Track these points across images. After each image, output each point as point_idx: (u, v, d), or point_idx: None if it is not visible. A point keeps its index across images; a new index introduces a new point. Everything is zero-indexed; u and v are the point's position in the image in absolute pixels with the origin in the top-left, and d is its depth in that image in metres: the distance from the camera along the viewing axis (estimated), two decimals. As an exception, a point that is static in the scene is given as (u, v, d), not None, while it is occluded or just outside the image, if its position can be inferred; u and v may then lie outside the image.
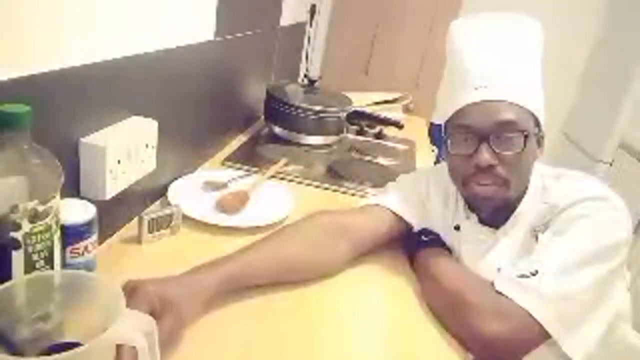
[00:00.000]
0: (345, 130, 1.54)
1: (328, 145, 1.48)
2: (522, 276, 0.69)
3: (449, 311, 0.74)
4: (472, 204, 0.87)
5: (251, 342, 0.65)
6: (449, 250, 0.88)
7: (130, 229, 0.85)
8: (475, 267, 0.82)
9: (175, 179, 1.03)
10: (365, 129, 1.67)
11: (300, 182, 1.20)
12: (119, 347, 0.47)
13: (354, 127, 1.66)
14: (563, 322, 0.66)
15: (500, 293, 0.69)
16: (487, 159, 0.74)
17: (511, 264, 0.74)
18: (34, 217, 0.50)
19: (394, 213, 0.90)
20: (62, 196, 0.54)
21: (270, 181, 1.15)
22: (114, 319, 0.44)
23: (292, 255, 0.77)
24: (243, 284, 0.71)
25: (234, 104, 1.36)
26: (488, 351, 0.68)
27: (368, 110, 1.74)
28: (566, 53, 2.42)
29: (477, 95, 0.76)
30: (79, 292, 0.50)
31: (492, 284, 0.72)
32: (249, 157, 1.28)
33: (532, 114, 0.77)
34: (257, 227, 0.91)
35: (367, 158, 1.45)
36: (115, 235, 0.83)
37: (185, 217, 0.89)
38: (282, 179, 1.20)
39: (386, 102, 1.89)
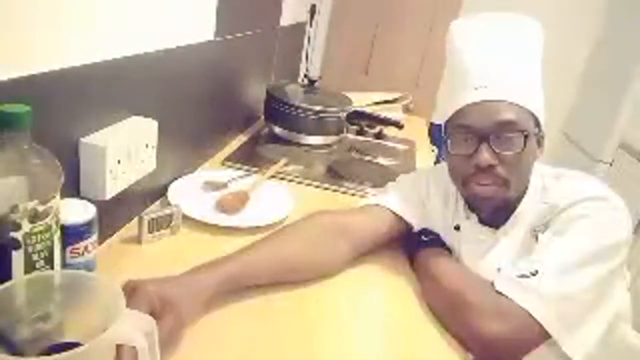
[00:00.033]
0: (345, 130, 1.53)
1: (328, 145, 1.48)
2: (522, 276, 0.69)
3: (449, 311, 0.74)
4: (472, 204, 0.87)
5: (251, 342, 0.65)
6: (449, 250, 0.89)
7: (130, 229, 0.85)
8: (475, 267, 0.82)
9: (175, 179, 1.03)
10: (365, 129, 1.67)
11: (300, 182, 1.20)
12: (119, 347, 0.47)
13: (354, 127, 1.66)
14: (563, 322, 0.66)
15: (500, 293, 0.69)
16: (487, 159, 0.74)
17: (511, 264, 0.74)
18: (34, 217, 0.50)
19: (394, 213, 0.90)
20: (62, 196, 0.54)
21: (270, 181, 1.15)
22: (114, 319, 0.44)
23: (292, 255, 0.77)
24: (243, 284, 0.71)
25: (234, 104, 1.36)
26: (488, 351, 0.68)
27: (368, 110, 1.74)
28: (566, 53, 2.42)
29: (477, 95, 0.76)
30: (79, 292, 0.50)
31: (492, 284, 0.72)
32: (249, 157, 1.28)
33: (532, 114, 0.77)
34: (257, 227, 0.91)
35: (367, 158, 1.45)
36: (115, 235, 0.83)
37: (185, 217, 0.89)
38: (282, 179, 1.20)
39: (386, 102, 1.89)
